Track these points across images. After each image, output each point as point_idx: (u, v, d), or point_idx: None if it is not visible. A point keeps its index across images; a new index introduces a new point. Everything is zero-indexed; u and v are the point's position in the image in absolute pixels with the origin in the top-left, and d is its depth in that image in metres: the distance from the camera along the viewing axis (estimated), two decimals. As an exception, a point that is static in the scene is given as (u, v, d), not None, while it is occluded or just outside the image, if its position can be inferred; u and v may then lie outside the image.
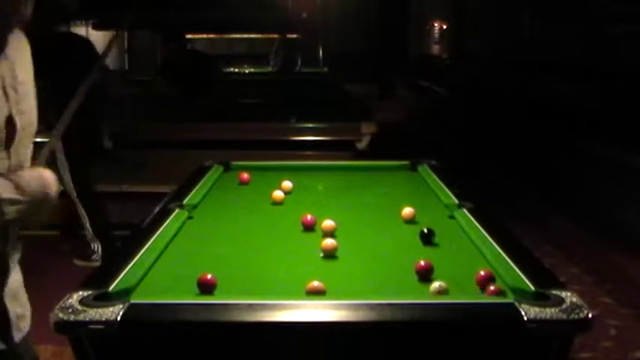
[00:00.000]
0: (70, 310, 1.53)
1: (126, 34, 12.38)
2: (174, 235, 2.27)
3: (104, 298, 1.62)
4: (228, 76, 7.95)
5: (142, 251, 2.01)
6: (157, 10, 8.91)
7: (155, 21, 9.55)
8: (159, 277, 1.90)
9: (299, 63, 11.80)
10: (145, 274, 1.88)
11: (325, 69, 13.20)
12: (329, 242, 2.10)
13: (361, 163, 3.98)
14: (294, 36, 12.10)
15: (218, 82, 6.20)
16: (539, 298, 1.60)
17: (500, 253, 1.96)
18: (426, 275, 1.86)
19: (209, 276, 1.76)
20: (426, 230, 2.21)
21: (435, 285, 1.74)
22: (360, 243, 2.25)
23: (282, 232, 2.39)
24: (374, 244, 2.24)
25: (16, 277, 1.60)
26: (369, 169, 3.54)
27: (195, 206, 2.63)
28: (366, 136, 4.84)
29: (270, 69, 11.87)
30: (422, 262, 1.87)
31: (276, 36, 11.96)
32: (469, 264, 1.94)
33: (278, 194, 2.79)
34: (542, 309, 1.53)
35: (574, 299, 1.58)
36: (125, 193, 4.90)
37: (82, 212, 4.45)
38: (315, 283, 1.74)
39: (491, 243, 2.06)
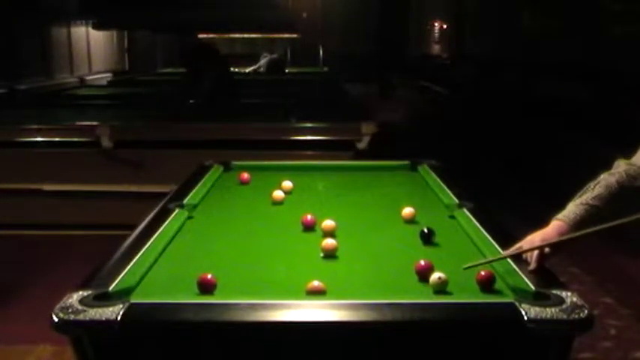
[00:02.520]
0: (70, 310, 1.53)
1: (126, 34, 12.44)
2: (174, 235, 2.27)
3: (104, 298, 1.62)
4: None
5: (142, 251, 2.00)
6: (157, 10, 8.95)
7: (156, 21, 9.60)
8: (159, 277, 1.90)
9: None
10: (145, 274, 1.87)
11: (325, 69, 13.21)
12: (329, 242, 2.10)
13: (361, 163, 3.98)
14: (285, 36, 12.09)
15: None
16: (540, 298, 1.60)
17: (500, 253, 1.96)
18: (426, 275, 1.85)
19: (209, 276, 1.76)
20: (426, 230, 2.21)
21: (435, 276, 1.75)
22: (360, 243, 2.25)
23: (282, 232, 2.39)
24: (374, 244, 2.24)
25: None
26: (369, 169, 3.54)
27: (195, 206, 2.63)
28: (366, 136, 4.84)
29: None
30: (422, 262, 1.87)
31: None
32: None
33: (278, 194, 2.79)
34: (542, 309, 1.53)
35: (574, 299, 1.58)
36: (125, 193, 4.90)
37: None
38: (315, 283, 1.74)
39: (491, 243, 2.06)
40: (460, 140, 9.22)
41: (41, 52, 9.34)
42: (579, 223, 1.93)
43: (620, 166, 2.02)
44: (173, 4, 9.10)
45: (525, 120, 8.25)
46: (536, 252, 1.87)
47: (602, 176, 2.02)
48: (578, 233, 1.90)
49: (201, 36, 11.81)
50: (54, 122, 5.26)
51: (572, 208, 1.97)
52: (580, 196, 1.99)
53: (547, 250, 1.89)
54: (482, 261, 1.91)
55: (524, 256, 1.90)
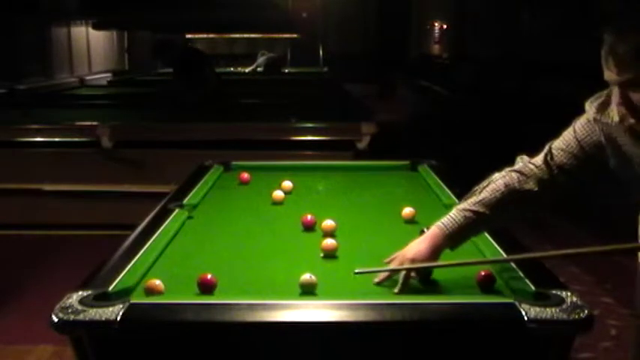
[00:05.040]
0: (70, 310, 1.53)
1: (126, 34, 12.44)
2: (174, 235, 2.27)
3: (104, 298, 1.62)
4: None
5: (141, 251, 2.01)
6: (157, 10, 8.97)
7: (156, 21, 9.60)
8: (159, 277, 1.89)
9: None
10: (145, 274, 1.87)
11: (325, 69, 13.21)
12: (329, 242, 2.10)
13: (361, 163, 3.98)
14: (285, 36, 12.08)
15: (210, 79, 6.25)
16: (540, 298, 1.60)
17: (500, 253, 1.96)
18: (427, 275, 1.85)
19: (209, 276, 1.76)
20: (426, 230, 2.20)
21: (306, 276, 1.74)
22: (360, 243, 2.25)
23: (282, 232, 2.39)
24: (374, 244, 2.24)
25: None
26: (369, 169, 3.54)
27: (195, 206, 2.63)
28: (366, 136, 4.84)
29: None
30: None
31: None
32: (469, 264, 1.94)
33: (278, 194, 2.79)
34: (542, 309, 1.52)
35: (574, 299, 1.58)
36: (125, 193, 4.90)
37: None
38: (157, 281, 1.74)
39: (491, 243, 2.06)
40: (460, 140, 9.22)
41: (41, 52, 9.33)
42: (457, 233, 1.79)
43: (517, 164, 1.85)
44: (173, 4, 9.10)
45: (525, 120, 8.25)
46: (402, 273, 1.76)
47: (494, 175, 1.84)
48: (437, 264, 1.78)
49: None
50: (54, 122, 5.26)
51: (454, 214, 1.81)
52: (465, 199, 1.83)
53: (413, 274, 1.78)
54: (374, 269, 1.80)
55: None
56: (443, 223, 1.82)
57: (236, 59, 13.05)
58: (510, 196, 1.79)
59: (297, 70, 12.57)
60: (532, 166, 1.81)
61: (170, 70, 6.62)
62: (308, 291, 1.73)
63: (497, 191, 1.80)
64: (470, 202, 1.81)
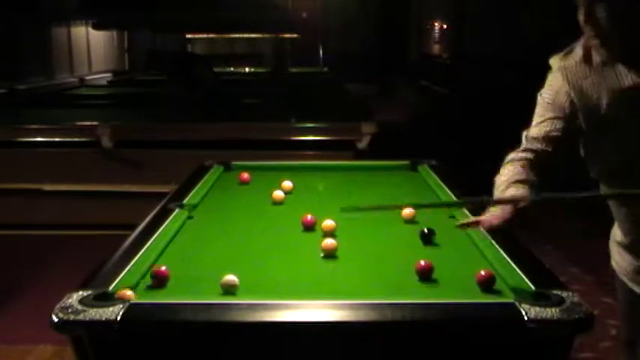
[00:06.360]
0: (70, 310, 1.53)
1: (126, 34, 12.44)
2: (174, 235, 2.27)
3: (104, 298, 1.62)
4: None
5: (142, 251, 2.01)
6: (157, 10, 8.97)
7: (156, 21, 9.61)
8: (159, 277, 1.90)
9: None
10: (145, 274, 1.88)
11: (325, 69, 13.20)
12: (329, 242, 2.10)
13: (361, 163, 3.98)
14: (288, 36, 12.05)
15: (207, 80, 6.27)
16: (540, 298, 1.60)
17: (500, 253, 1.96)
18: (426, 275, 1.86)
19: (163, 268, 1.82)
20: (426, 230, 2.21)
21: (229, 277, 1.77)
22: (360, 243, 2.25)
23: (283, 232, 2.39)
24: (374, 244, 2.24)
25: None
26: (369, 169, 3.54)
27: (195, 206, 2.63)
28: (366, 136, 4.84)
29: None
30: (422, 262, 1.87)
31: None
32: (469, 264, 1.94)
33: (278, 194, 2.79)
34: (542, 309, 1.53)
35: (574, 299, 1.58)
36: (125, 193, 4.90)
37: None
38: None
39: (491, 243, 2.06)
40: (460, 140, 9.21)
41: (41, 52, 9.34)
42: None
43: (525, 150, 1.86)
44: (173, 4, 9.10)
45: (525, 120, 8.26)
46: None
47: (506, 170, 1.83)
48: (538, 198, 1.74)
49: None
50: (54, 122, 5.26)
51: (512, 192, 1.75)
52: (496, 189, 1.81)
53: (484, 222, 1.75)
54: (362, 207, 1.88)
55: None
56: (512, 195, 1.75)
57: (236, 59, 13.02)
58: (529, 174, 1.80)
59: (298, 70, 12.56)
60: (523, 155, 1.86)
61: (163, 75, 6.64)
62: (229, 292, 1.74)
63: (517, 173, 1.80)
64: (507, 181, 1.79)
